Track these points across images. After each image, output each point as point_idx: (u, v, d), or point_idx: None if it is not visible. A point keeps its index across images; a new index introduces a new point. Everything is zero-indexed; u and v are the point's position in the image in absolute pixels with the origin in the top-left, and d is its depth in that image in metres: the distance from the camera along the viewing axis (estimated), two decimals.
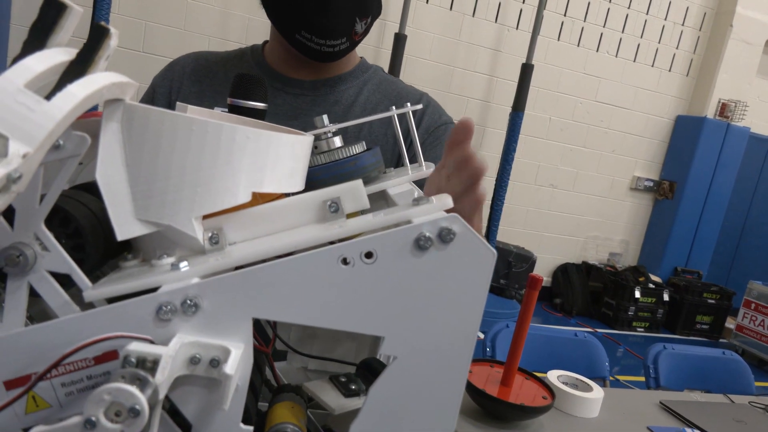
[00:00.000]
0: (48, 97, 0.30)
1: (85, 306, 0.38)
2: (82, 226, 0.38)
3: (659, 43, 4.73)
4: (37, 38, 0.32)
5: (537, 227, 4.75)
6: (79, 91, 0.30)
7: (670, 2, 4.65)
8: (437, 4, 4.02)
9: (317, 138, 0.52)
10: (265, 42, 0.99)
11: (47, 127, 0.28)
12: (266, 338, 0.54)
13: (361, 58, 0.99)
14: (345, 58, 0.94)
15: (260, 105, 0.55)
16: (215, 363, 0.34)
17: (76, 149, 0.34)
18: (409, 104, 0.55)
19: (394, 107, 0.56)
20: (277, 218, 0.40)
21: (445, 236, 0.36)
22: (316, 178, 0.49)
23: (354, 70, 0.96)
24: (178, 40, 3.40)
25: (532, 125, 4.43)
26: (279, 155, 0.40)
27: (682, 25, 4.75)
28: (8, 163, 0.27)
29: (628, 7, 4.55)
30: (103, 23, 0.32)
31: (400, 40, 3.71)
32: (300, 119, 0.91)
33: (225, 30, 3.51)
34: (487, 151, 4.38)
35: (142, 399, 0.28)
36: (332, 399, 0.47)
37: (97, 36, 0.32)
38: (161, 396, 0.31)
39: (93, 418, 0.28)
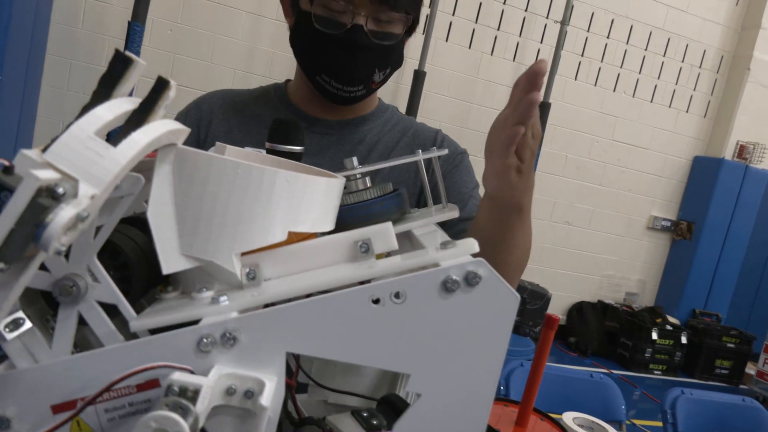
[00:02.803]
0: (114, 143, 0.32)
1: (128, 335, 0.40)
2: (130, 258, 0.41)
3: (676, 84, 4.77)
4: (105, 88, 0.35)
5: (552, 264, 4.72)
6: (142, 138, 0.33)
7: (687, 45, 4.71)
8: (457, 43, 4.12)
9: (347, 179, 0.55)
10: (287, 81, 1.03)
11: (113, 172, 0.31)
12: (288, 371, 0.56)
13: (379, 99, 1.04)
14: (367, 100, 0.98)
15: (297, 149, 0.58)
16: (249, 394, 0.36)
17: (131, 189, 0.37)
18: (435, 149, 0.58)
19: (420, 150, 0.58)
20: (310, 256, 0.42)
21: (471, 279, 0.37)
22: (344, 218, 0.51)
23: (375, 111, 1.01)
24: (205, 72, 3.52)
25: (549, 162, 4.46)
26: (314, 197, 0.43)
27: (700, 67, 4.80)
28: (78, 204, 0.30)
29: (645, 49, 4.62)
30: (164, 76, 0.35)
31: (419, 76, 3.80)
32: (327, 157, 0.94)
33: (250, 64, 3.63)
34: None
35: (185, 427, 0.30)
36: None
37: (159, 87, 0.35)
38: (201, 425, 0.33)
39: None
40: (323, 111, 0.97)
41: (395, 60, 0.92)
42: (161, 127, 0.35)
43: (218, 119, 0.97)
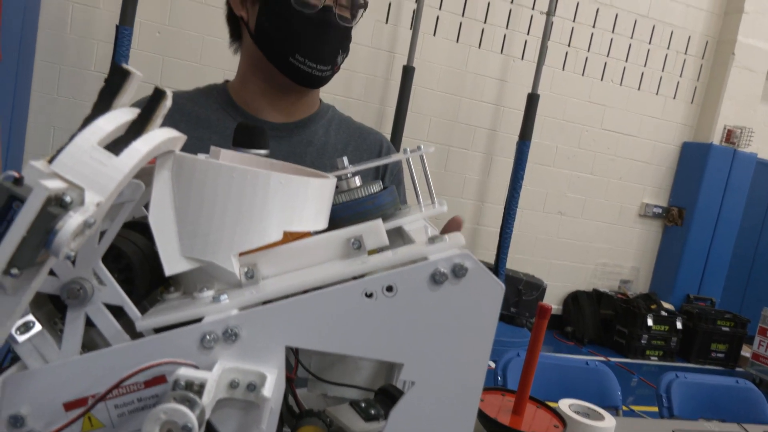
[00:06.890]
0: (116, 152, 0.34)
1: (134, 335, 0.42)
2: (132, 262, 0.42)
3: (663, 71, 4.81)
4: (105, 100, 0.37)
5: (546, 255, 4.76)
6: (142, 147, 0.35)
7: (672, 32, 4.75)
8: (444, 37, 4.14)
9: (337, 178, 0.57)
10: (226, 81, 1.05)
11: (117, 179, 0.33)
12: (288, 366, 0.58)
13: (320, 99, 1.07)
14: (311, 99, 1.03)
15: (262, 152, 0.60)
16: (252, 387, 0.38)
17: (132, 195, 0.39)
18: (421, 146, 0.59)
19: (408, 149, 0.60)
20: (305, 254, 0.44)
21: (458, 271, 0.40)
22: (337, 216, 0.53)
23: (319, 111, 1.05)
24: (195, 73, 3.52)
25: (539, 153, 4.49)
26: (307, 198, 0.45)
27: (685, 53, 4.84)
28: (85, 211, 0.32)
29: (631, 37, 4.65)
30: (161, 86, 0.37)
31: (408, 72, 3.81)
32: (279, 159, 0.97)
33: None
34: (495, 178, 4.43)
35: (193, 418, 0.32)
36: (353, 423, 0.51)
37: (157, 97, 0.37)
38: (207, 416, 0.35)
39: None
40: (269, 112, 0.99)
41: (349, 46, 0.97)
42: (160, 135, 0.37)
43: (167, 125, 0.96)
